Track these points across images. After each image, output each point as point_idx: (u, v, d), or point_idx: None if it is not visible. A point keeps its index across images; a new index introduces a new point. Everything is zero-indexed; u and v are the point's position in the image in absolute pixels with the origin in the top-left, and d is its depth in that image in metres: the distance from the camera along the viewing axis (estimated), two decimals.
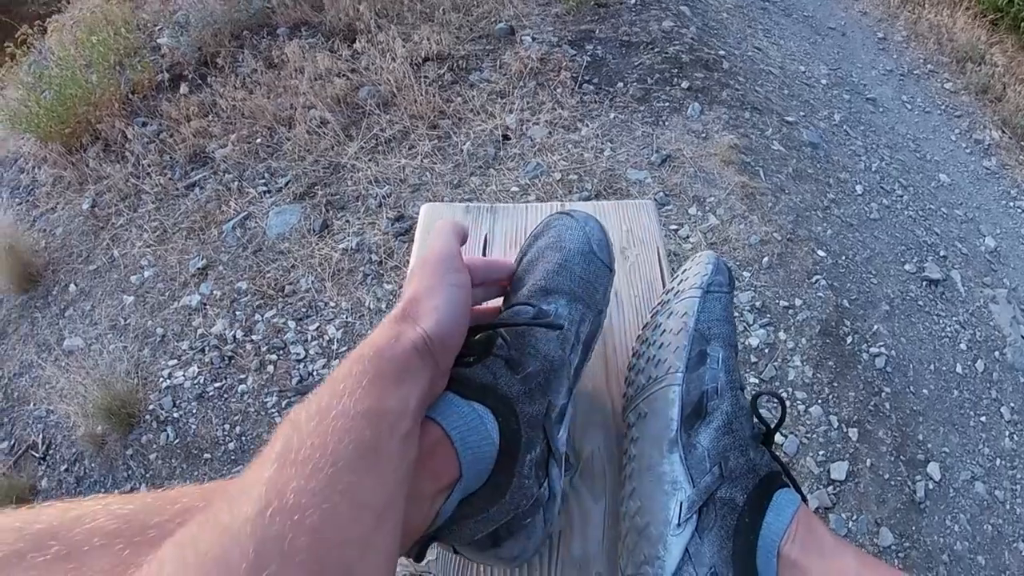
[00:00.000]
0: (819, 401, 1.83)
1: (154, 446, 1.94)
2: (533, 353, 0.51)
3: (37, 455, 2.09)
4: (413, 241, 0.78)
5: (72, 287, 2.47)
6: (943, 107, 3.30)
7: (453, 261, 0.49)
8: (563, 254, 0.58)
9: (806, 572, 0.46)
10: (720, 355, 0.53)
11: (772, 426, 0.53)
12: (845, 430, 1.79)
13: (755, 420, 0.53)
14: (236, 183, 2.57)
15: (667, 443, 0.51)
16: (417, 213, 0.80)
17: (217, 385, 2.02)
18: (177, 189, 2.60)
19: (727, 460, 0.49)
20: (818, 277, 2.12)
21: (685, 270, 0.60)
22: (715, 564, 0.47)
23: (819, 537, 0.48)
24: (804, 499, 0.50)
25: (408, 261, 0.75)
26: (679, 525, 0.48)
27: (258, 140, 2.70)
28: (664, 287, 0.66)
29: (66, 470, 2.02)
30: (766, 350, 1.92)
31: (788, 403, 1.80)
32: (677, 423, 0.51)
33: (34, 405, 2.19)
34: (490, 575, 0.56)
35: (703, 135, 2.54)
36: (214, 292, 2.26)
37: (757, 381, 1.85)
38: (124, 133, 2.80)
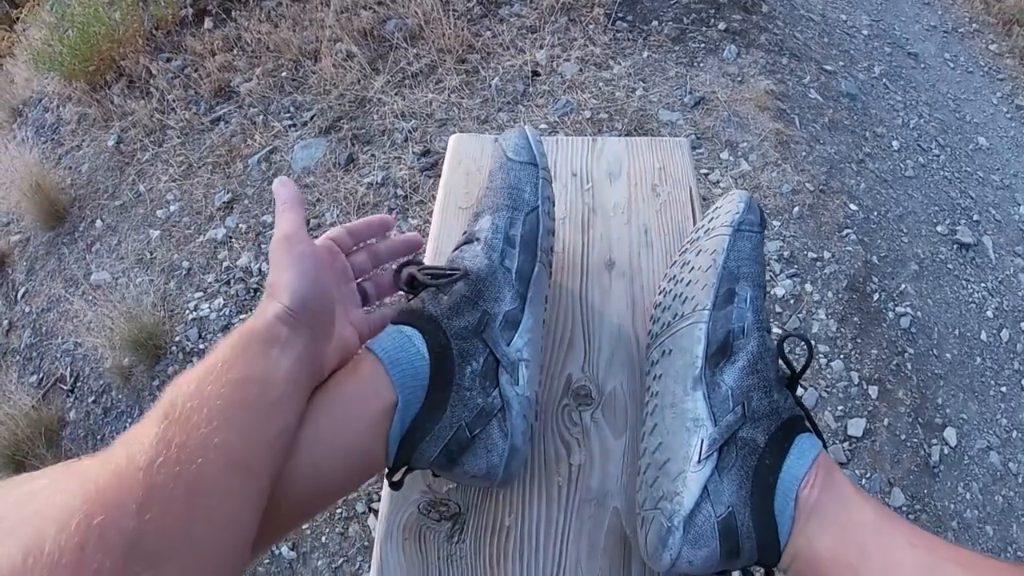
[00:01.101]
0: (841, 356, 1.82)
1: None
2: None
3: (65, 388, 2.14)
4: (439, 176, 0.77)
5: (99, 223, 2.49)
6: (986, 69, 3.16)
7: (293, 239, 0.51)
8: (488, 180, 0.60)
9: (823, 518, 0.46)
10: (748, 295, 0.52)
11: (797, 371, 0.53)
12: (865, 387, 1.78)
13: (780, 363, 0.52)
14: (261, 117, 2.54)
15: (691, 380, 0.50)
16: (443, 148, 0.79)
17: (243, 317, 2.03)
18: (202, 124, 2.59)
19: (751, 400, 0.49)
20: (848, 231, 2.07)
21: (716, 208, 0.58)
22: (733, 503, 0.47)
23: (838, 485, 0.47)
24: (825, 446, 0.50)
25: (434, 196, 0.75)
26: (699, 462, 0.48)
27: (283, 74, 2.66)
28: (695, 226, 0.65)
29: (94, 402, 2.07)
30: (791, 301, 1.89)
31: (809, 367, 1.78)
32: (702, 361, 0.50)
33: (62, 339, 2.23)
34: (508, 502, 0.56)
35: (738, 79, 2.46)
36: (239, 225, 2.27)
37: (780, 332, 1.83)
38: (148, 69, 2.77)
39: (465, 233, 0.57)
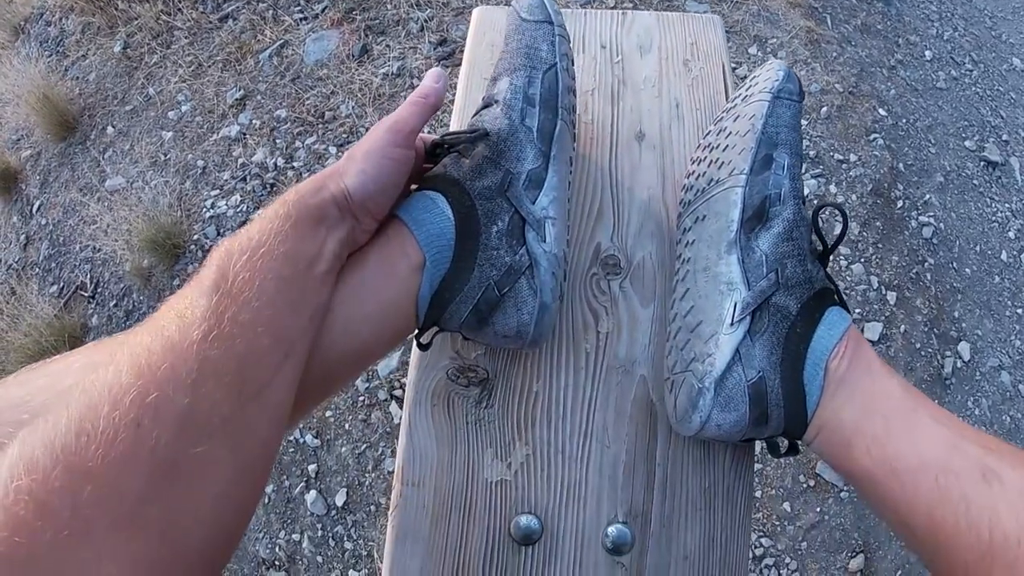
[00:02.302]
0: (862, 260, 1.80)
1: None
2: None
3: (86, 294, 2.15)
4: (457, 65, 0.75)
5: (110, 129, 2.45)
6: None
7: (403, 136, 0.49)
8: (504, 43, 0.58)
9: (851, 390, 0.46)
10: (786, 162, 0.51)
11: (830, 245, 0.52)
12: (884, 292, 1.77)
13: (814, 235, 0.52)
14: (271, 11, 2.46)
15: (726, 244, 0.49)
16: (460, 37, 0.76)
17: (260, 212, 2.00)
18: (210, 22, 2.51)
19: (784, 267, 0.48)
20: (876, 136, 2.02)
21: (754, 77, 0.56)
22: (764, 369, 0.47)
23: (867, 359, 0.47)
24: (854, 322, 0.49)
25: (452, 85, 0.72)
26: (732, 325, 0.48)
27: None
28: (727, 102, 0.63)
29: (115, 306, 2.09)
30: (815, 201, 1.86)
31: (832, 257, 1.77)
32: (737, 225, 0.50)
33: (80, 247, 2.23)
34: (536, 368, 0.57)
35: None
36: (253, 122, 2.23)
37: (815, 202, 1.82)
38: None
39: (484, 98, 0.55)
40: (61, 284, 2.23)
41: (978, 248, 2.03)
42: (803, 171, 1.86)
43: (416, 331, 0.52)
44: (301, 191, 0.45)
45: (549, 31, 0.56)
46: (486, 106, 0.54)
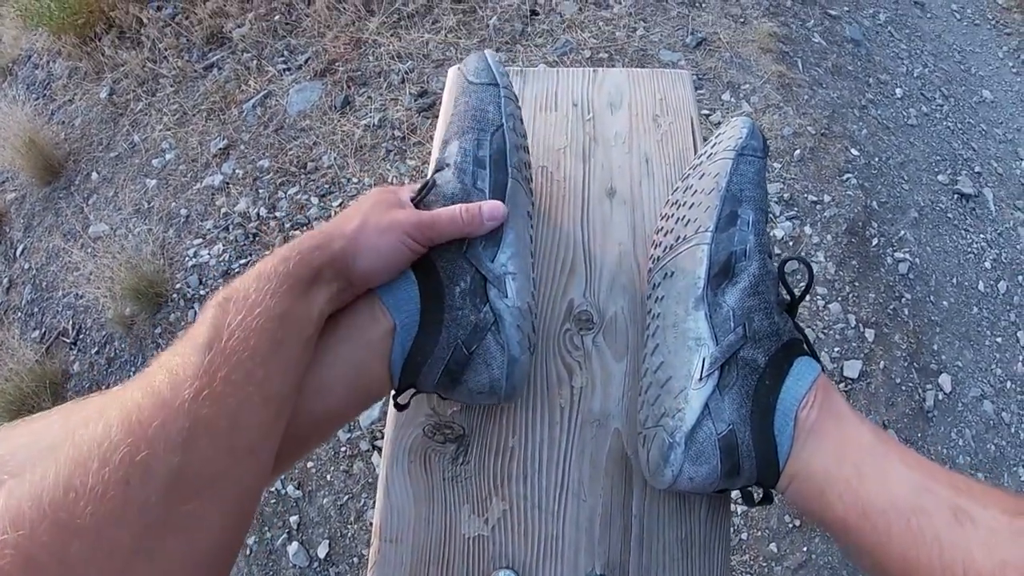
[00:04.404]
0: (839, 299, 1.82)
1: (182, 324, 1.98)
2: (435, 199, 0.54)
3: (68, 340, 2.14)
4: (437, 117, 0.76)
5: (94, 175, 2.46)
6: (993, 22, 3.09)
7: (427, 239, 0.51)
8: (454, 106, 0.59)
9: (822, 438, 0.47)
10: (751, 218, 0.53)
11: (798, 295, 0.53)
12: (862, 330, 1.79)
13: (781, 287, 0.53)
14: (255, 62, 2.50)
15: (693, 300, 0.51)
16: (441, 88, 0.78)
17: (242, 262, 2.03)
18: (195, 71, 2.54)
19: (752, 321, 0.49)
20: (849, 175, 2.06)
21: (719, 133, 0.58)
22: (734, 421, 0.48)
23: (836, 407, 0.48)
24: (824, 370, 0.51)
25: (431, 137, 0.74)
26: (701, 380, 0.48)
27: (276, 17, 2.60)
28: (695, 158, 0.64)
29: (97, 353, 2.07)
30: (790, 243, 1.89)
31: (808, 297, 1.78)
32: (704, 281, 0.51)
33: (63, 293, 2.22)
34: (511, 424, 0.57)
35: (741, 20, 2.42)
36: (236, 171, 2.25)
37: (781, 256, 1.84)
38: (139, 18, 2.70)
39: (436, 160, 0.57)
40: (43, 329, 2.20)
41: (955, 280, 2.06)
42: (776, 217, 1.90)
43: (393, 392, 0.52)
44: (303, 248, 0.46)
45: (495, 93, 0.58)
46: (438, 169, 0.56)
